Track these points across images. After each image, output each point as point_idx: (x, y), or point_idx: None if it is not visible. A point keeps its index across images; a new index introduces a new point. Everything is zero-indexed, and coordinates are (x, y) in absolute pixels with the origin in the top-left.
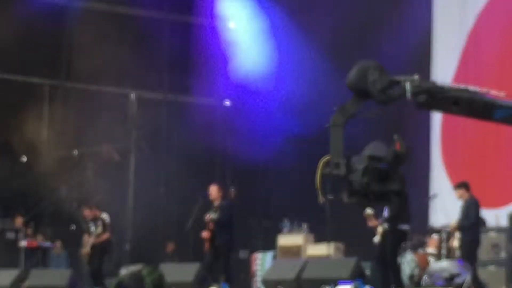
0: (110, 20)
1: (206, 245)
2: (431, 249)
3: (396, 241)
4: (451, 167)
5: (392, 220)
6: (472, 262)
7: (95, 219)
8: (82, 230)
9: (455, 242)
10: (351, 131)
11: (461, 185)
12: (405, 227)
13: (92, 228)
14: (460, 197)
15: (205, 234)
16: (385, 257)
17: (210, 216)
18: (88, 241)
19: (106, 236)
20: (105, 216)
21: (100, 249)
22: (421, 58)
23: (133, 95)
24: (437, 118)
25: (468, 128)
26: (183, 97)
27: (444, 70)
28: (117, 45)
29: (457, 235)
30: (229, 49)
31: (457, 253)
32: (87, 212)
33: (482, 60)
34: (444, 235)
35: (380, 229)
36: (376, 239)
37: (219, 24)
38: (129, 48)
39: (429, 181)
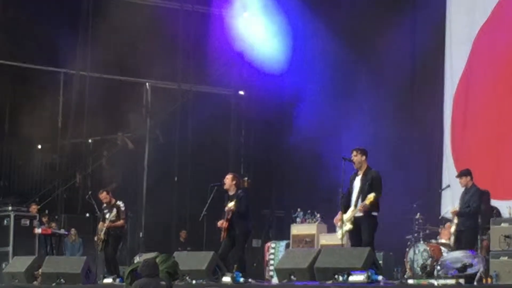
0: (125, 9)
1: (223, 235)
2: (443, 240)
3: (372, 229)
4: (459, 159)
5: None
6: (473, 248)
7: (111, 206)
8: (97, 216)
9: (453, 228)
10: (365, 123)
11: (467, 173)
12: (376, 213)
13: (107, 215)
14: (465, 185)
15: (222, 223)
16: (359, 244)
17: (231, 207)
18: (101, 228)
19: (120, 223)
20: (120, 203)
21: (114, 237)
22: (435, 49)
23: (148, 84)
24: (449, 109)
25: (478, 120)
26: (198, 87)
27: (456, 63)
28: (132, 35)
29: (455, 221)
30: (243, 39)
31: (452, 239)
32: (104, 195)
33: (493, 54)
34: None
35: (349, 217)
36: (347, 227)
37: (233, 14)
38: (144, 37)
39: (442, 173)
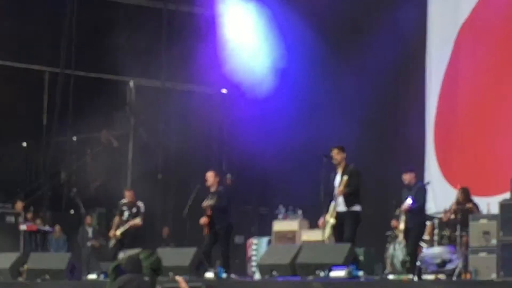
0: (109, 8)
1: (205, 231)
2: (424, 236)
3: (355, 224)
4: (442, 156)
5: (350, 195)
6: (418, 244)
7: (131, 205)
8: (81, 213)
9: (402, 225)
10: (348, 120)
11: (413, 169)
12: (358, 208)
13: (126, 213)
14: (409, 182)
15: (203, 220)
16: (342, 239)
17: (208, 202)
18: (117, 223)
19: (139, 222)
20: (141, 204)
21: (131, 236)
22: (417, 47)
23: (131, 83)
24: (432, 107)
25: (461, 117)
26: (181, 85)
27: (438, 61)
28: (115, 33)
29: (402, 218)
30: (226, 38)
31: (401, 236)
32: (128, 193)
33: (475, 52)
34: (436, 222)
35: (332, 212)
36: (330, 222)
37: (217, 13)
38: (128, 36)
39: (424, 170)
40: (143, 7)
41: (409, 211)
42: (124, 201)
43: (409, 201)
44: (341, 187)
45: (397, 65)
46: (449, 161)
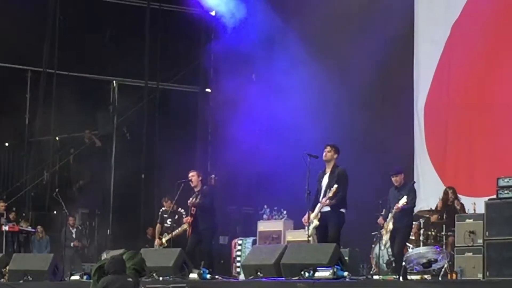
0: (92, 7)
1: (188, 231)
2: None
3: (339, 224)
4: (435, 155)
5: (337, 204)
6: (405, 245)
7: (173, 213)
8: (65, 213)
9: (390, 225)
10: (333, 121)
11: (403, 171)
12: (344, 210)
13: (168, 220)
14: (400, 183)
15: (187, 219)
16: (326, 240)
17: (193, 200)
18: (159, 231)
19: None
20: (182, 210)
21: (176, 243)
22: (405, 48)
23: (115, 82)
24: (420, 105)
25: (451, 117)
26: (165, 84)
27: (427, 61)
28: (99, 32)
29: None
30: (210, 36)
31: (387, 236)
32: (168, 204)
33: (466, 52)
34: (422, 222)
35: (317, 212)
36: (314, 224)
37: (201, 12)
38: (111, 35)
39: (413, 169)
40: (126, 6)
41: (400, 211)
42: (164, 209)
43: (404, 200)
44: (329, 196)
45: (383, 66)
46: (442, 160)
